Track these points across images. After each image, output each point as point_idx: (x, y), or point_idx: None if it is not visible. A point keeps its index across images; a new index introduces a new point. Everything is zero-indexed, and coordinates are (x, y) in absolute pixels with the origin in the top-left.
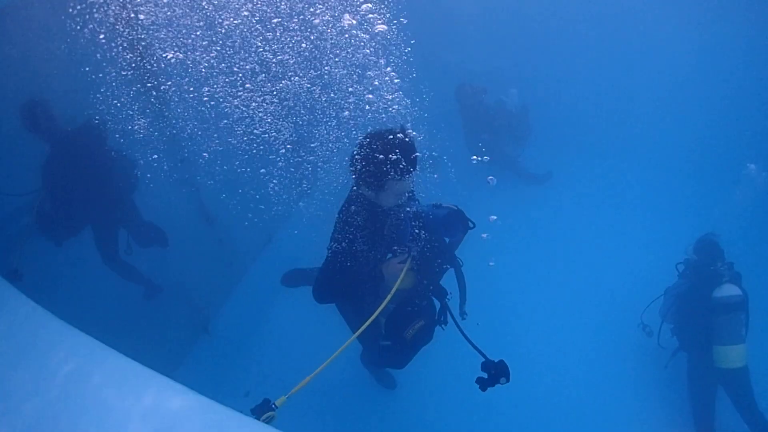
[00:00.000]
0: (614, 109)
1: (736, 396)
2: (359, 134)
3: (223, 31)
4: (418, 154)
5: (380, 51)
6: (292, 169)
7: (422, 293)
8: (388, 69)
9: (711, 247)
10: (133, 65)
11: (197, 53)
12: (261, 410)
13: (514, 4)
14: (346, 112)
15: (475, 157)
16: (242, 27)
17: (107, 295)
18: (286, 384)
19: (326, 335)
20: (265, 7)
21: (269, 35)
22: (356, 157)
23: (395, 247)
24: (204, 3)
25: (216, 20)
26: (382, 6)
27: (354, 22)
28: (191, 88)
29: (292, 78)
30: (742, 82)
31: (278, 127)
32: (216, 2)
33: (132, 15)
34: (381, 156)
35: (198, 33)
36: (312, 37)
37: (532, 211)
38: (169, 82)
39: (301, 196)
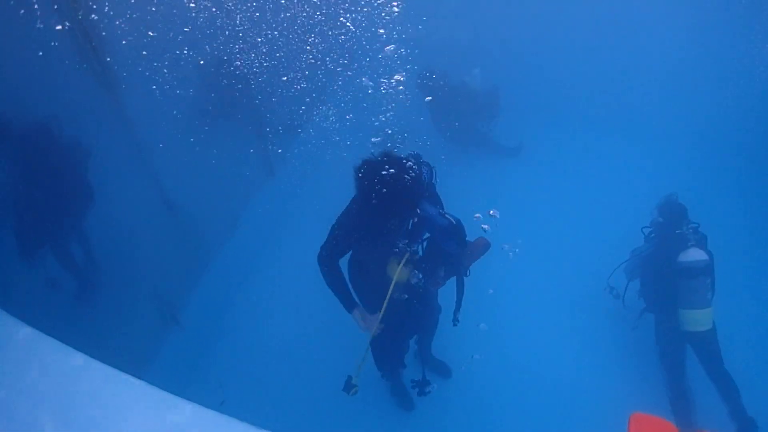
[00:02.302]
0: (585, 79)
1: (703, 357)
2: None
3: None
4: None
5: None
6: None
7: (416, 287)
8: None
9: (675, 208)
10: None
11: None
12: (348, 387)
13: None
14: None
15: None
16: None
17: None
18: (260, 371)
19: (297, 319)
20: None
21: None
22: (360, 175)
23: (400, 244)
24: None
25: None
26: None
27: None
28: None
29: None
30: (714, 49)
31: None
32: None
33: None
34: (383, 190)
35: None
36: None
37: (504, 182)
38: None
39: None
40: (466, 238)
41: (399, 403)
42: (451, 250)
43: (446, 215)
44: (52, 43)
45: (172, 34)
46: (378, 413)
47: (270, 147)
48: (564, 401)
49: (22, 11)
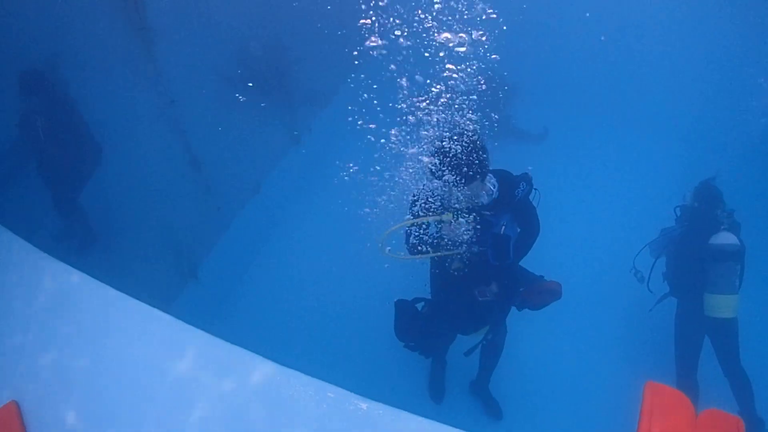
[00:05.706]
0: (605, 61)
1: (721, 347)
2: None
3: None
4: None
5: None
6: None
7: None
8: None
9: (711, 193)
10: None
11: None
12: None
13: None
14: None
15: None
16: None
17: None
18: (275, 331)
19: (312, 281)
20: None
21: None
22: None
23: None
24: None
25: None
26: None
27: None
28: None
29: None
30: (734, 30)
31: None
32: None
33: None
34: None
35: None
36: None
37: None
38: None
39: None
40: (508, 259)
41: (430, 390)
42: (493, 261)
43: (504, 226)
44: None
45: None
46: (401, 387)
47: (298, 115)
48: (575, 382)
49: None
